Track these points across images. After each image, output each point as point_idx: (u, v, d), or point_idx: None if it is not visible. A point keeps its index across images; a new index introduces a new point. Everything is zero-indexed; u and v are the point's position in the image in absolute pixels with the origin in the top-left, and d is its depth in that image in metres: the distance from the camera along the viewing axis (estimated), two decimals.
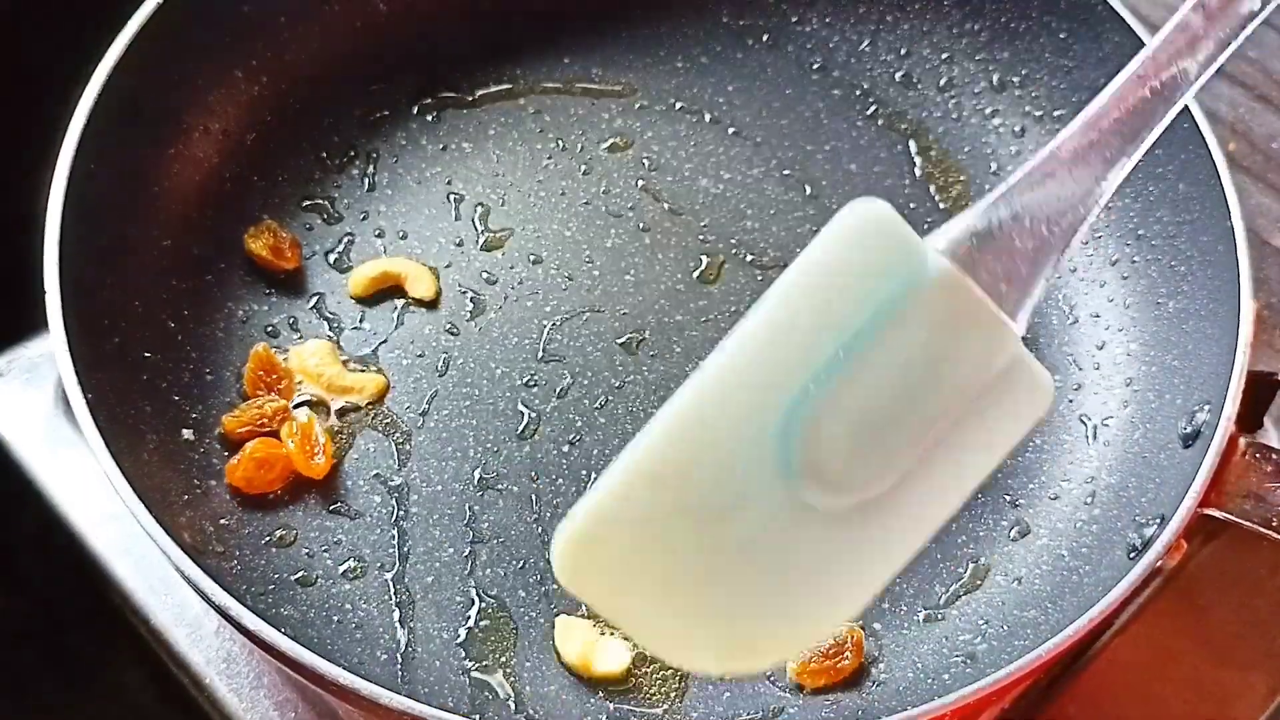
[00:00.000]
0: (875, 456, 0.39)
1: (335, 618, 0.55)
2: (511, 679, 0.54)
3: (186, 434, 0.58)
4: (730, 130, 0.70)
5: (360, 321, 0.63)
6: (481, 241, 0.66)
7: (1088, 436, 0.61)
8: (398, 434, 0.60)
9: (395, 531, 0.57)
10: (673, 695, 0.54)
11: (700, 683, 0.55)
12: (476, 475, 0.59)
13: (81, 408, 0.51)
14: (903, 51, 0.72)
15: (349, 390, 0.59)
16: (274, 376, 0.59)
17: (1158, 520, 0.53)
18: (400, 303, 0.63)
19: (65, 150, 0.56)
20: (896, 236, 0.40)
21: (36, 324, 0.62)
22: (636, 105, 0.71)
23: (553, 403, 0.61)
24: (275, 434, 0.58)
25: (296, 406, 0.59)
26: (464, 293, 0.64)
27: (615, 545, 0.38)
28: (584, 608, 0.55)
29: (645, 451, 0.38)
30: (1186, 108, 0.61)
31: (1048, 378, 0.42)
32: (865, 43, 0.73)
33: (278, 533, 0.57)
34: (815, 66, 0.72)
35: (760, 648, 0.40)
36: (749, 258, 0.66)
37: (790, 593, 0.40)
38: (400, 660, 0.54)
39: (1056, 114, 0.68)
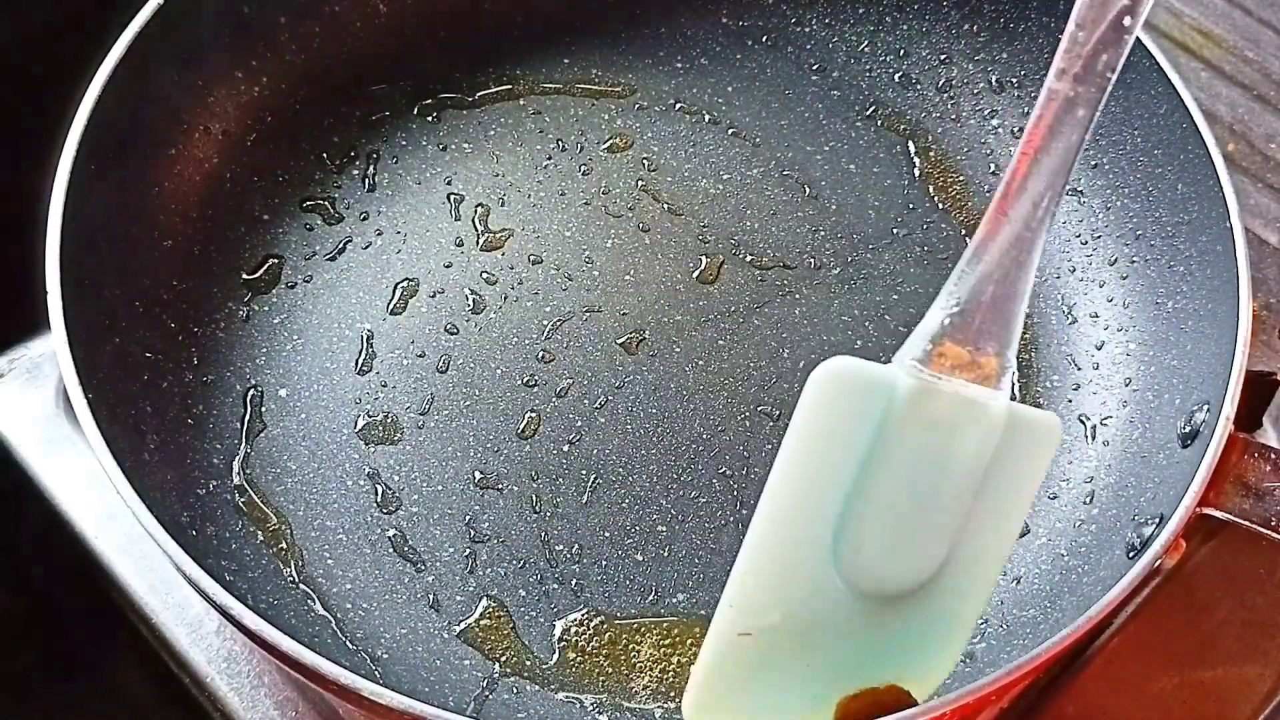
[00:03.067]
0: (911, 550, 0.46)
1: (337, 616, 0.55)
2: (511, 678, 0.55)
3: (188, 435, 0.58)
4: (730, 130, 0.70)
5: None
6: (481, 241, 0.66)
7: (1086, 436, 0.61)
8: (396, 433, 0.60)
9: (395, 531, 0.57)
10: (672, 696, 0.54)
11: None
12: (476, 475, 0.59)
13: (82, 408, 0.51)
14: (901, 52, 0.72)
15: None
16: None
17: (1156, 520, 0.53)
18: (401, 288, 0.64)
19: (66, 151, 0.56)
20: (860, 380, 0.45)
21: (37, 324, 0.62)
22: (636, 105, 0.71)
23: (553, 403, 0.61)
24: None
25: None
26: (464, 293, 0.64)
27: (731, 684, 0.46)
28: None
29: (732, 604, 0.45)
30: (1185, 108, 0.61)
31: (1049, 418, 0.47)
32: (864, 44, 0.73)
33: (279, 530, 0.57)
34: (814, 67, 0.73)
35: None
36: (749, 258, 0.66)
37: (894, 669, 0.47)
38: (401, 659, 0.54)
39: None
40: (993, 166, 0.69)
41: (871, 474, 0.45)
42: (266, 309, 0.63)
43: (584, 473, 0.59)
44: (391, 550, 0.57)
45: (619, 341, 0.63)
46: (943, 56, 0.72)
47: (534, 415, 0.61)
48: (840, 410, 0.45)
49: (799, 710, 0.46)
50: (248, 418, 0.60)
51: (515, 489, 0.59)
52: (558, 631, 0.56)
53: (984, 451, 0.45)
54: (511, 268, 0.65)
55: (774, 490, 0.45)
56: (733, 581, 0.45)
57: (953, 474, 0.45)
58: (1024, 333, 0.64)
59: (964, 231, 0.68)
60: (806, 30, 0.73)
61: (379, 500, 0.58)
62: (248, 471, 0.58)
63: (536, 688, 0.54)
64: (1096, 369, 0.63)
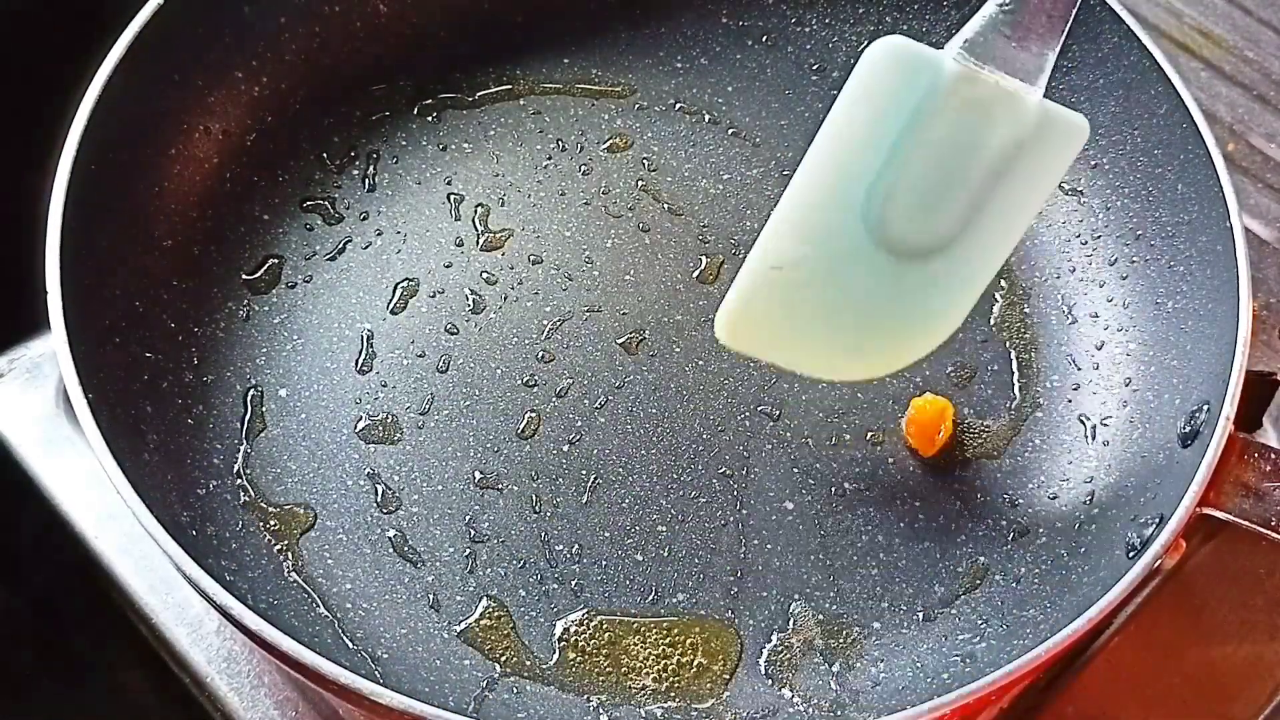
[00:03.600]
0: (936, 214, 0.52)
1: (337, 616, 0.55)
2: (511, 678, 0.55)
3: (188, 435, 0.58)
4: (730, 130, 0.70)
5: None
6: (481, 241, 0.66)
7: (1086, 436, 0.61)
8: (396, 433, 0.60)
9: (395, 531, 0.57)
10: (672, 695, 0.54)
11: (692, 680, 0.55)
12: (476, 475, 0.59)
13: (82, 408, 0.51)
14: None
15: None
16: None
17: (1156, 520, 0.53)
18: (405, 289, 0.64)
19: (66, 150, 0.56)
20: (909, 57, 0.51)
21: (37, 324, 0.63)
22: (636, 105, 0.71)
23: (553, 403, 0.61)
24: None
25: None
26: (464, 293, 0.64)
27: (760, 311, 0.53)
28: None
29: (768, 241, 0.52)
30: (1185, 108, 0.61)
31: (1077, 119, 0.52)
32: (864, 44, 0.72)
33: (279, 530, 0.57)
34: (814, 67, 0.73)
35: (883, 359, 0.55)
36: None
37: (904, 319, 0.54)
38: (401, 659, 0.54)
39: None
40: None
41: (909, 143, 0.50)
42: (266, 309, 0.63)
43: (584, 473, 0.59)
44: (391, 550, 0.57)
45: (619, 341, 0.63)
46: None
47: (534, 415, 0.61)
48: (888, 82, 0.50)
49: (820, 348, 0.54)
50: (248, 418, 0.60)
51: (515, 489, 0.59)
52: (558, 631, 0.56)
53: (1014, 139, 0.51)
54: (511, 268, 0.65)
55: (816, 148, 0.51)
56: (769, 225, 0.52)
57: (983, 154, 0.51)
58: (1024, 332, 0.64)
59: None
60: (806, 30, 0.73)
61: (379, 500, 0.58)
62: (248, 471, 0.58)
63: (536, 688, 0.54)
64: (1096, 369, 0.63)
